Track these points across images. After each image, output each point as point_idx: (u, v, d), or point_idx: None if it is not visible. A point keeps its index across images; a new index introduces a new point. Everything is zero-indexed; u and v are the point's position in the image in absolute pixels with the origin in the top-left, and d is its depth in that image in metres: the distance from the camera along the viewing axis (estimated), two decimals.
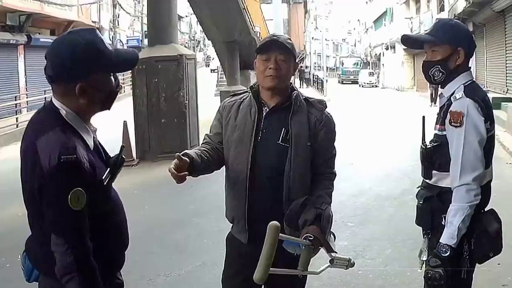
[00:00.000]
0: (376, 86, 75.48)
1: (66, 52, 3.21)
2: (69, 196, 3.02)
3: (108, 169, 3.38)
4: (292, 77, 4.49)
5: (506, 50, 27.92)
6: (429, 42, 4.39)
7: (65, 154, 3.04)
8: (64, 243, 3.09)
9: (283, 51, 4.23)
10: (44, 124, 3.25)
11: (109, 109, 3.47)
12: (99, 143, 3.54)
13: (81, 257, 3.10)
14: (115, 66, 3.35)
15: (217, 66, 53.62)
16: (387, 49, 73.88)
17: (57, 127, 3.18)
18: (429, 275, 4.05)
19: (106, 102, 3.38)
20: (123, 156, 3.57)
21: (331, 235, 4.17)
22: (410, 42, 4.72)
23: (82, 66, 3.19)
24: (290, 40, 4.41)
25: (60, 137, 3.13)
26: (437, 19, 4.85)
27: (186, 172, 3.91)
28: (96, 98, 3.30)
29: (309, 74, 75.20)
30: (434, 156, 4.31)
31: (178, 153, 3.96)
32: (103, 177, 3.29)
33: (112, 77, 3.37)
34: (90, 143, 3.32)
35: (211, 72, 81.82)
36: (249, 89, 4.45)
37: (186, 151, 4.14)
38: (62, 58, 3.20)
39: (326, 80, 61.12)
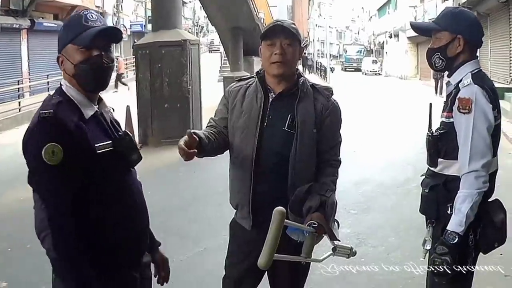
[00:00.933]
0: (379, 74, 75.47)
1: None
2: (43, 149, 3.03)
3: (109, 141, 3.37)
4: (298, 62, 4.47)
5: (510, 40, 27.90)
6: (432, 29, 4.38)
7: (44, 110, 3.13)
8: (39, 199, 3.14)
9: (288, 36, 4.20)
10: (46, 98, 3.36)
11: (95, 87, 3.43)
12: (112, 120, 3.54)
13: (55, 215, 3.10)
14: (78, 37, 3.31)
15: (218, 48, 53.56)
16: (390, 37, 73.81)
17: (53, 97, 3.30)
18: (437, 262, 4.02)
19: (80, 76, 3.34)
20: (130, 136, 3.56)
21: (335, 222, 4.18)
22: (418, 29, 4.69)
23: (61, 38, 3.38)
24: (295, 25, 4.38)
25: (48, 99, 3.26)
26: (446, 7, 4.83)
27: (195, 150, 3.89)
28: (69, 70, 3.35)
29: (312, 61, 75.10)
30: (441, 144, 4.27)
31: (189, 130, 3.95)
32: (97, 145, 3.27)
33: (86, 52, 3.32)
34: (87, 113, 3.32)
35: (210, 52, 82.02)
36: (255, 74, 4.43)
37: (194, 130, 4.11)
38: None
39: (332, 69, 61.51)
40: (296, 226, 3.78)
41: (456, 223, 4.01)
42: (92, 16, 3.38)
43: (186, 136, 3.90)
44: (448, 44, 4.27)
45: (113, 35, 3.45)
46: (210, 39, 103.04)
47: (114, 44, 3.66)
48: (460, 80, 4.21)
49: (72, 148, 3.10)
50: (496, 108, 4.19)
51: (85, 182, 3.19)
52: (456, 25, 4.29)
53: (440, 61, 4.32)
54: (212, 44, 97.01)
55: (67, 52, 3.34)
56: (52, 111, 3.11)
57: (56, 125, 3.10)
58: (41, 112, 3.11)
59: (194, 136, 3.96)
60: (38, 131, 3.10)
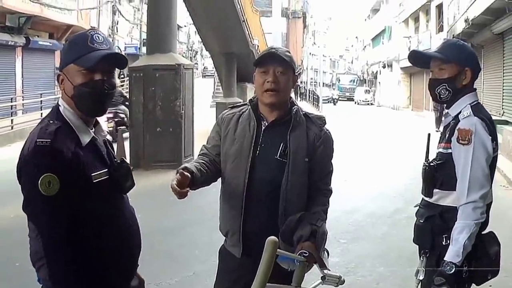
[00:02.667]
0: (371, 104, 75.78)
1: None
2: (39, 180, 3.01)
3: (106, 169, 3.36)
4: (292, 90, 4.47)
5: (503, 72, 27.97)
6: (438, 59, 4.38)
7: (41, 138, 3.07)
8: (35, 229, 3.12)
9: (282, 63, 4.19)
10: (42, 119, 3.33)
11: (94, 111, 3.43)
12: (107, 145, 3.53)
13: (50, 244, 3.07)
14: (81, 58, 3.28)
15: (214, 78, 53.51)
16: (384, 67, 74.10)
17: (48, 119, 3.25)
18: None
19: (78, 98, 3.31)
20: (127, 164, 3.56)
21: (325, 251, 4.17)
22: (417, 58, 4.71)
23: (63, 57, 3.35)
24: (289, 52, 4.37)
25: (43, 125, 3.18)
26: (444, 39, 4.90)
27: (188, 189, 3.86)
28: (68, 90, 3.32)
29: (304, 89, 75.39)
30: (437, 174, 4.30)
31: (180, 169, 3.93)
32: (93, 174, 3.26)
33: (88, 75, 3.30)
34: (84, 140, 3.29)
35: (203, 77, 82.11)
36: (248, 102, 4.42)
37: (186, 165, 4.09)
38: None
39: (335, 100, 61.36)
40: (287, 255, 3.77)
41: (453, 253, 4.02)
42: (98, 37, 3.36)
43: (178, 175, 3.87)
44: (456, 76, 4.31)
45: (118, 61, 3.44)
46: (203, 65, 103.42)
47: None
48: (460, 112, 4.25)
49: (68, 178, 3.09)
50: (495, 140, 4.23)
51: (79, 209, 3.18)
52: (464, 58, 4.36)
53: (447, 92, 4.34)
54: (205, 69, 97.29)
55: (68, 72, 3.31)
56: (49, 140, 3.07)
57: (53, 155, 3.07)
58: (37, 140, 3.07)
59: (186, 173, 3.92)
60: (34, 160, 3.07)
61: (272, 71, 4.17)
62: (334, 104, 58.54)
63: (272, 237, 3.36)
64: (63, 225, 3.11)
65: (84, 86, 3.29)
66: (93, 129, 3.42)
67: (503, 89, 28.16)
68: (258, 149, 4.23)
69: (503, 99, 28.31)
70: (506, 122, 24.84)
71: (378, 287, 7.90)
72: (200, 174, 4.11)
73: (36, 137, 3.10)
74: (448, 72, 4.31)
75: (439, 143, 4.41)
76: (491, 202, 4.35)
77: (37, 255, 3.11)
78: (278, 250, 3.47)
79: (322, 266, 3.96)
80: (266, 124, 4.29)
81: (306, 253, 3.87)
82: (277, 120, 4.27)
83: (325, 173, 4.37)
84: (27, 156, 3.10)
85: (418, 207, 4.56)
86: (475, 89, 4.49)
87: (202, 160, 4.34)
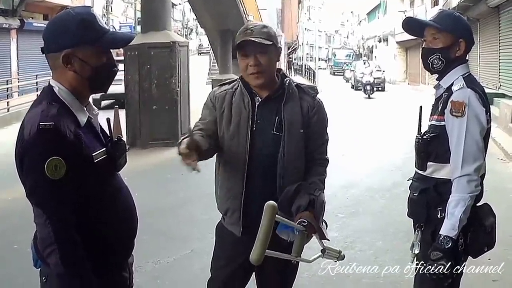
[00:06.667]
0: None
1: (57, 22, 3.29)
2: (45, 164, 2.97)
3: (104, 148, 3.35)
4: (283, 64, 4.42)
5: (499, 46, 27.97)
6: (434, 27, 4.33)
7: (44, 121, 3.01)
8: (43, 214, 3.05)
9: (260, 46, 4.13)
10: (36, 101, 3.26)
11: (103, 90, 3.45)
12: (100, 126, 3.51)
13: (60, 229, 3.04)
14: (101, 40, 3.27)
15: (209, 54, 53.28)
16: (379, 41, 74.04)
17: (45, 101, 3.18)
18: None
19: (95, 79, 3.31)
20: (124, 141, 3.55)
21: (323, 222, 4.17)
22: (411, 26, 4.64)
23: (69, 34, 3.19)
24: (266, 27, 4.27)
25: (43, 108, 3.11)
26: (440, 9, 4.84)
27: (195, 159, 3.81)
28: (83, 71, 3.25)
29: (297, 65, 75.26)
30: (431, 147, 4.27)
31: (192, 137, 3.86)
32: (94, 154, 3.24)
33: (103, 55, 3.31)
34: (82, 120, 3.26)
35: (199, 54, 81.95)
36: (239, 79, 4.39)
37: (192, 133, 4.00)
38: (52, 29, 3.27)
39: (371, 89, 42.27)
40: (286, 222, 3.77)
41: (449, 227, 4.01)
42: (99, 18, 3.37)
43: (187, 141, 3.82)
44: (450, 46, 4.27)
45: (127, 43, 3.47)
46: (199, 41, 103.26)
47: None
48: (452, 84, 4.21)
49: (73, 160, 3.06)
50: (488, 112, 4.21)
51: (82, 190, 3.16)
52: (459, 29, 4.32)
53: (440, 62, 4.29)
54: (201, 46, 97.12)
55: (80, 52, 3.23)
56: (52, 123, 3.01)
57: (57, 138, 3.03)
58: (40, 123, 3.00)
59: (195, 139, 3.89)
60: (39, 144, 3.01)
61: (252, 55, 4.15)
62: (369, 97, 41.57)
63: (271, 202, 3.37)
64: (70, 207, 3.10)
65: (105, 66, 3.32)
66: (85, 108, 3.39)
67: (499, 62, 28.18)
68: (254, 125, 4.22)
69: (499, 72, 28.33)
70: (503, 95, 24.89)
71: (377, 261, 7.90)
72: (204, 145, 4.05)
73: (38, 120, 3.03)
74: (442, 42, 4.27)
75: (431, 115, 4.38)
76: (484, 174, 4.33)
77: (46, 241, 3.05)
78: (278, 216, 3.48)
79: (322, 236, 3.98)
80: (260, 100, 4.28)
81: (305, 222, 3.88)
82: (270, 95, 4.27)
83: (320, 142, 4.39)
84: (29, 140, 3.03)
85: (411, 180, 4.54)
86: (467, 60, 4.44)
87: (202, 133, 4.26)
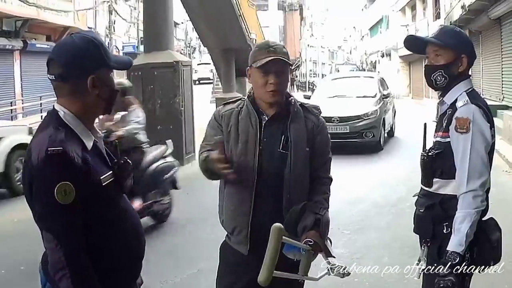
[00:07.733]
0: None
1: (76, 48, 3.25)
2: (55, 189, 2.98)
3: (110, 171, 3.37)
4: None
5: (502, 58, 27.95)
6: (435, 44, 4.36)
7: (52, 147, 3.03)
8: (53, 239, 3.06)
9: (283, 65, 4.21)
10: (41, 126, 3.28)
11: (109, 111, 3.47)
12: (105, 149, 3.53)
13: (71, 253, 3.05)
14: (112, 62, 3.35)
15: (213, 73, 53.28)
16: (382, 56, 74.01)
17: (52, 126, 3.19)
18: (441, 285, 4.01)
19: (109, 100, 3.38)
20: (130, 163, 3.57)
21: (328, 239, 4.20)
22: (413, 43, 4.67)
23: (93, 59, 3.24)
24: (285, 48, 4.35)
25: (50, 133, 3.13)
26: (441, 25, 4.85)
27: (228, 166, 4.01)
28: (103, 93, 3.31)
29: (299, 81, 75.43)
30: (436, 164, 4.30)
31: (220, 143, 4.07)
32: (102, 177, 3.26)
33: (111, 76, 3.39)
34: (88, 144, 3.28)
35: (195, 83, 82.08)
36: (246, 98, 4.42)
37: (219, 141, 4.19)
38: (70, 55, 3.23)
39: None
40: (293, 243, 3.79)
41: (456, 243, 4.02)
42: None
43: (220, 146, 4.07)
44: (453, 62, 4.29)
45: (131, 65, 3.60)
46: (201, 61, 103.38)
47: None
48: (456, 100, 4.23)
49: (81, 185, 3.08)
50: (493, 127, 4.23)
51: (90, 214, 3.18)
52: (461, 44, 4.35)
53: (443, 78, 4.32)
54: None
55: (101, 75, 3.30)
56: (61, 148, 3.04)
57: (66, 163, 3.05)
58: (48, 149, 3.02)
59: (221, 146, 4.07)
60: (48, 169, 3.03)
61: (273, 73, 4.17)
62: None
63: (278, 224, 3.39)
64: (80, 231, 3.11)
65: (114, 86, 3.42)
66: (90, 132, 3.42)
67: (502, 74, 28.15)
68: (261, 144, 4.25)
69: (502, 84, 28.31)
70: (506, 107, 24.85)
71: (384, 277, 7.88)
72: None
73: (46, 145, 3.04)
74: (445, 58, 4.30)
75: (435, 132, 4.40)
76: (489, 188, 4.34)
77: (57, 266, 3.06)
78: (284, 237, 3.50)
79: (328, 254, 4.00)
80: (266, 118, 4.31)
81: (312, 242, 3.91)
82: (276, 113, 4.30)
83: (324, 161, 4.42)
84: (38, 166, 3.04)
85: (417, 196, 4.56)
86: (470, 75, 4.47)
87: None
